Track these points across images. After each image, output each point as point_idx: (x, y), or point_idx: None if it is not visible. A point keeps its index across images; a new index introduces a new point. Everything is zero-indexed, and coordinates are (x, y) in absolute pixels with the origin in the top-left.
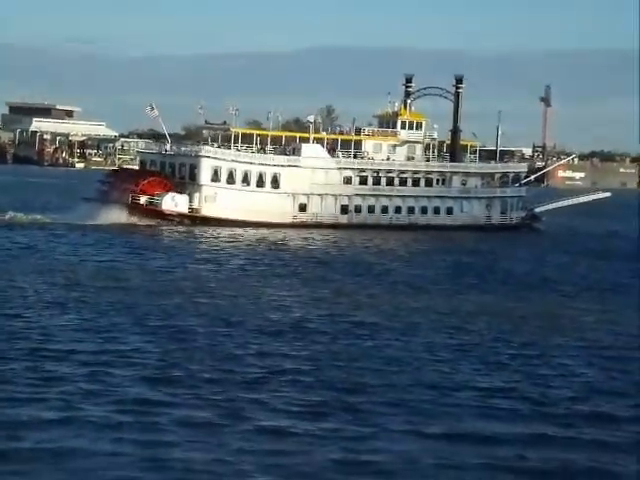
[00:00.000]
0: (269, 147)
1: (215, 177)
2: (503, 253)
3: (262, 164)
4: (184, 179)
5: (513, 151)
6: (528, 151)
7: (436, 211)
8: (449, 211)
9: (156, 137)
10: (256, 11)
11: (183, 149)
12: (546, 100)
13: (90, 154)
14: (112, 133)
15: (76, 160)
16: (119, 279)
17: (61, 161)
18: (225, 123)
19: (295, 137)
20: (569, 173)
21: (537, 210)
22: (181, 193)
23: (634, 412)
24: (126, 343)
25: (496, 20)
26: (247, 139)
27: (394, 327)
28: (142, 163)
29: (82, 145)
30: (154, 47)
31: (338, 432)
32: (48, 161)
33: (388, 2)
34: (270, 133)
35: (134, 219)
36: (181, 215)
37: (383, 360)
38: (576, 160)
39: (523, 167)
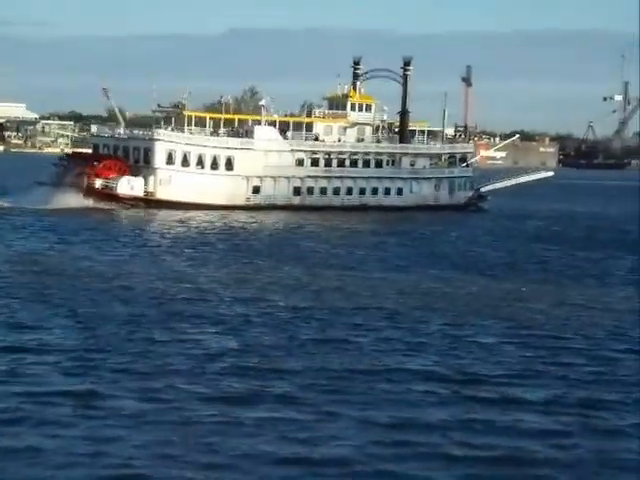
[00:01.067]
0: (222, 130)
1: (170, 160)
2: (440, 233)
3: (216, 147)
4: (138, 162)
5: (436, 131)
6: (450, 131)
7: (387, 192)
8: (399, 192)
9: (77, 119)
10: None
11: (137, 132)
12: (467, 80)
13: (9, 136)
14: (32, 115)
15: None
16: (45, 265)
17: None
18: (178, 106)
19: (247, 120)
20: (490, 153)
21: (483, 190)
22: (136, 176)
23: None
24: (45, 330)
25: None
26: (200, 122)
27: (317, 309)
28: (95, 147)
29: (0, 127)
30: (71, 28)
31: (271, 421)
32: None
33: None
34: (223, 116)
35: (89, 203)
36: (136, 198)
37: (309, 344)
38: (497, 139)
39: (470, 148)
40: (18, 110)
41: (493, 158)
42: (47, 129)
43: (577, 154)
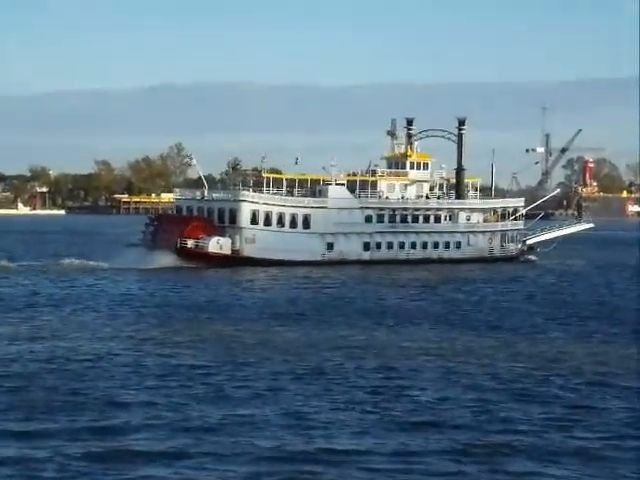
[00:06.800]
0: (296, 190)
1: (254, 220)
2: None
3: (294, 206)
4: (223, 222)
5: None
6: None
7: (446, 245)
8: (458, 245)
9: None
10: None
11: (220, 195)
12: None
13: None
14: None
15: None
16: None
17: None
18: (256, 169)
19: (319, 180)
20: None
21: (529, 242)
22: (222, 236)
23: None
24: None
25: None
26: (276, 183)
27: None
28: (178, 209)
29: None
30: None
31: None
32: None
33: (227, 38)
34: (297, 177)
35: (182, 262)
36: (225, 257)
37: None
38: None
39: (521, 202)
40: None
41: None
42: None
43: None
